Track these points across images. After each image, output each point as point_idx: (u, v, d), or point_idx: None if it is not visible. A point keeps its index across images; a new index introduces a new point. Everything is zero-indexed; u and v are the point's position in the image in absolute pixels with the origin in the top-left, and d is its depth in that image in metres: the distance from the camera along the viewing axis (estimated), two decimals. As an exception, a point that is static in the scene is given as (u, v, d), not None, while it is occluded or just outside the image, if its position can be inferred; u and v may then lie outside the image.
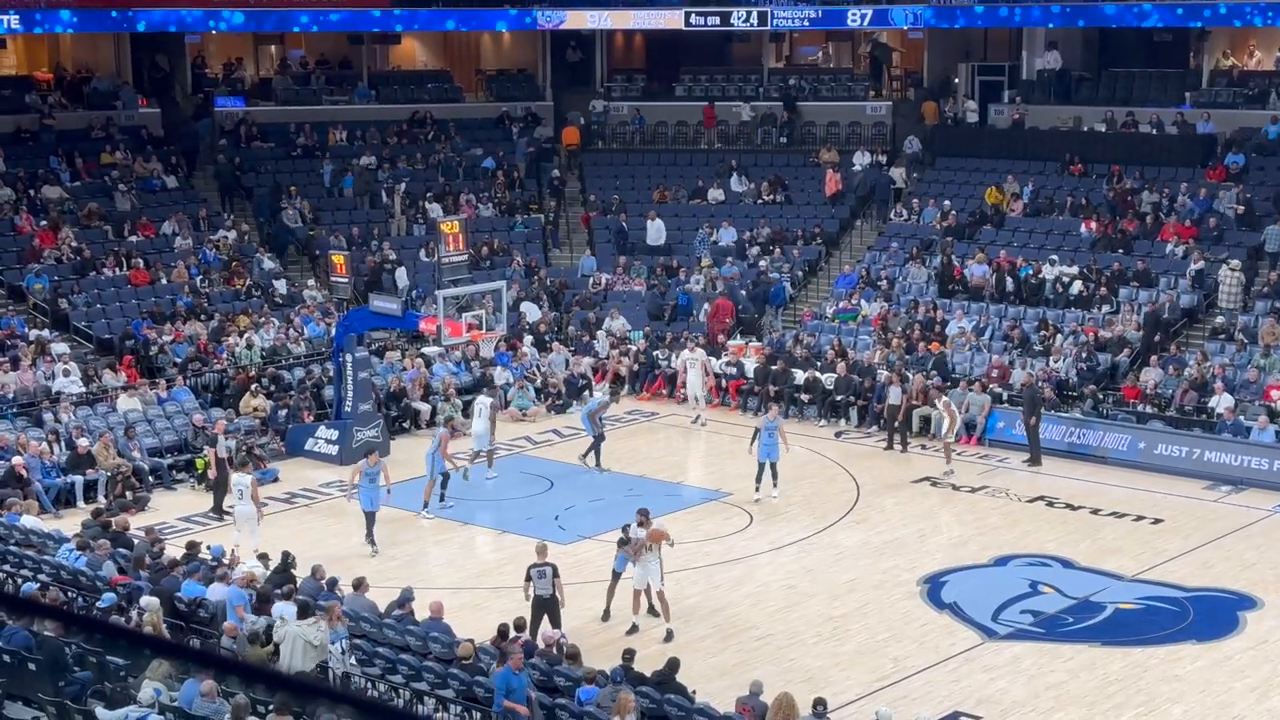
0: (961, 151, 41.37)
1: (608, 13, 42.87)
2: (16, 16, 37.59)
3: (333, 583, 20.86)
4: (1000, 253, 36.36)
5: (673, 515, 26.15)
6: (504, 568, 24.07)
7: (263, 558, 21.61)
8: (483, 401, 28.95)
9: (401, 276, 36.92)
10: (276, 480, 28.46)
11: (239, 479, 24.52)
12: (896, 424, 30.27)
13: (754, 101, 44.13)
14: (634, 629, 21.38)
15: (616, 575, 21.94)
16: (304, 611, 18.56)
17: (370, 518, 24.72)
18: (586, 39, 45.39)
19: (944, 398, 28.99)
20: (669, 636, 21.20)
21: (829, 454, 30.01)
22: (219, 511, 26.61)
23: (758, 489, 26.87)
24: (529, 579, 20.83)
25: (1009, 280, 35.33)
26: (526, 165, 42.51)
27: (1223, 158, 37.64)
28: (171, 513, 26.62)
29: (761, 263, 38.39)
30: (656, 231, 39.77)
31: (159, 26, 40.14)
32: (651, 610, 21.76)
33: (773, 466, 26.77)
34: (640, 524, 21.86)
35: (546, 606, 20.66)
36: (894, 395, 30.36)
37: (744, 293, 37.29)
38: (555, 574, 20.79)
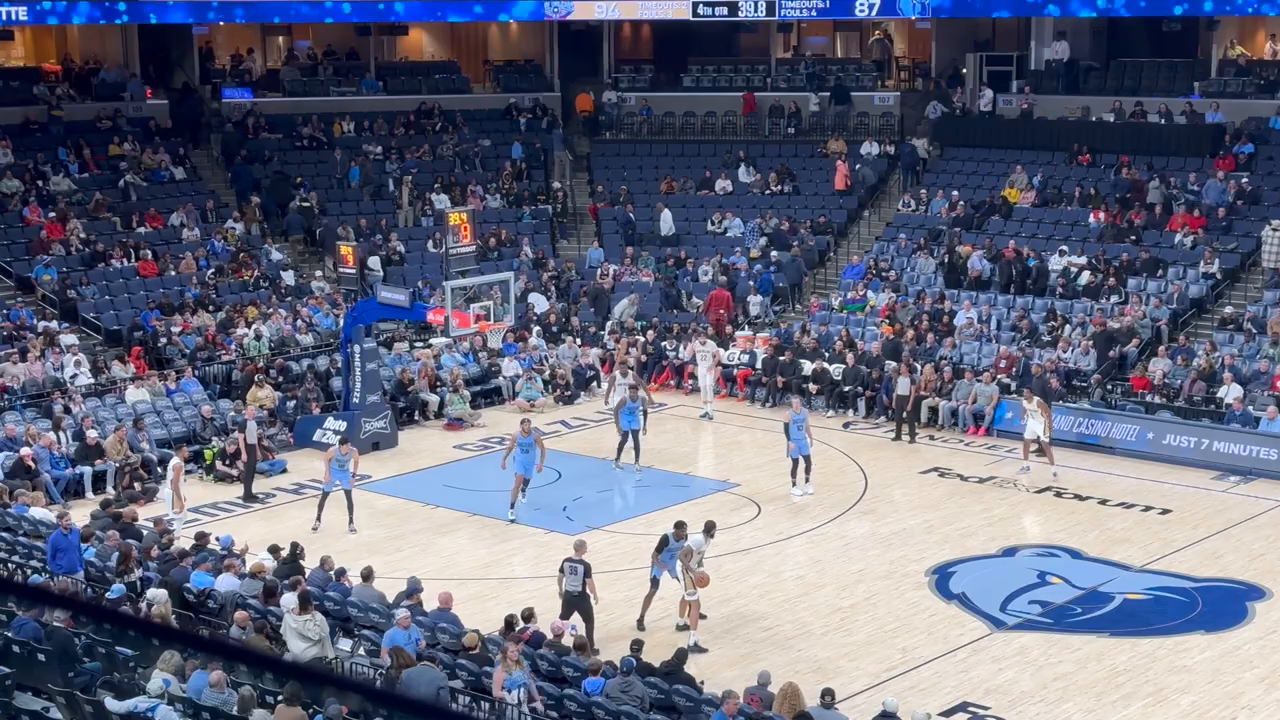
0: (969, 142, 41.31)
1: (615, 3, 42.82)
2: (24, 8, 37.62)
3: (341, 573, 20.91)
4: (1009, 243, 36.35)
5: (681, 506, 26.16)
6: (511, 559, 24.13)
7: (273, 549, 21.64)
8: (621, 381, 29.70)
9: (375, 264, 36.92)
10: (285, 471, 28.48)
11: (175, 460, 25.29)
12: (905, 415, 30.25)
13: (762, 92, 44.10)
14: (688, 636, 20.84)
15: (655, 583, 21.26)
16: (304, 604, 18.59)
17: (347, 497, 25.19)
18: (594, 28, 45.37)
19: (1036, 397, 28.04)
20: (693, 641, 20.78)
21: (837, 445, 29.99)
22: (249, 498, 26.84)
23: (795, 483, 26.51)
24: (561, 572, 20.58)
25: (1012, 270, 35.32)
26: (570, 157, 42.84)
27: (1231, 147, 37.57)
28: (180, 504, 26.65)
29: (772, 253, 38.40)
30: (667, 222, 39.78)
31: (166, 19, 40.23)
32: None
33: (806, 460, 26.44)
34: (707, 534, 21.30)
35: (576, 603, 20.36)
36: (903, 386, 30.34)
37: (751, 283, 37.36)
38: (588, 572, 20.38)
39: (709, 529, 21.48)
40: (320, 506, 25.29)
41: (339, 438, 27.22)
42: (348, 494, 25.22)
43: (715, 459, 30.00)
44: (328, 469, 25.30)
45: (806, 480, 26.59)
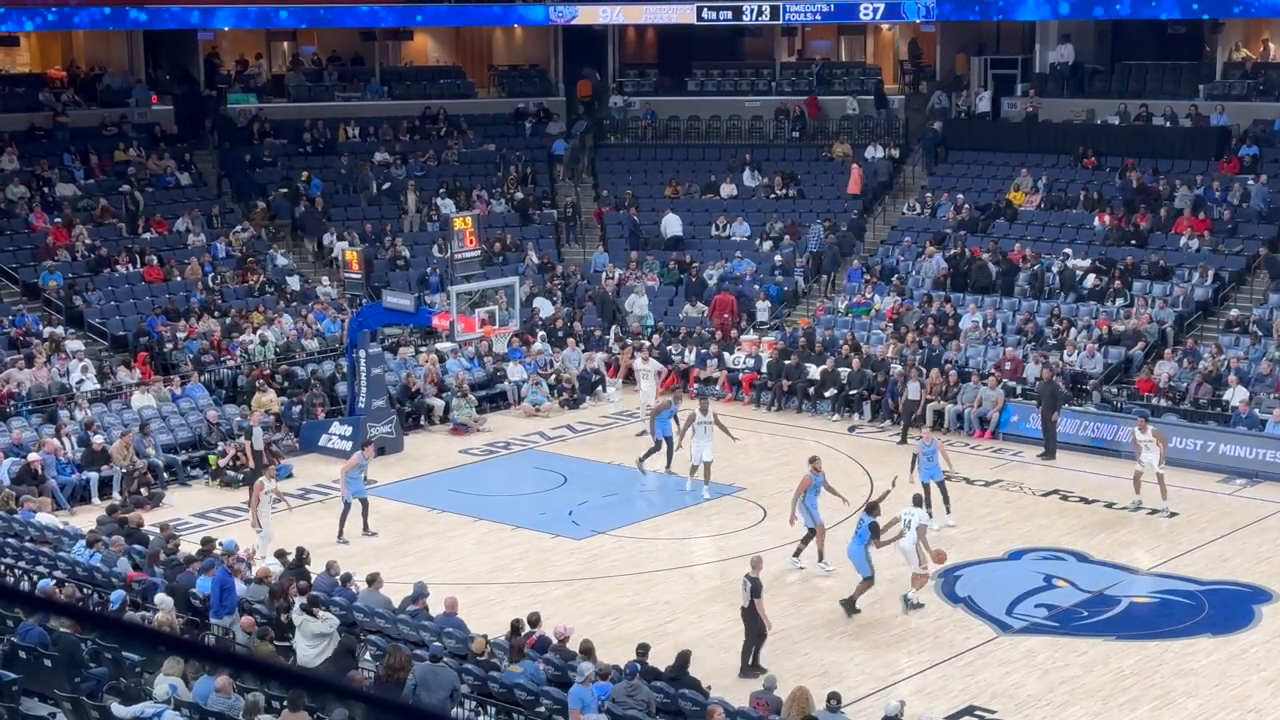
0: (974, 145, 41.32)
1: (620, 7, 42.86)
2: (28, 19, 37.67)
3: (347, 578, 20.91)
4: (1014, 246, 36.37)
5: (686, 510, 26.17)
6: (516, 564, 24.10)
7: (279, 554, 21.64)
8: (702, 420, 27.09)
9: (340, 249, 37.44)
10: (291, 476, 28.49)
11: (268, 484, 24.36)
12: (913, 418, 30.18)
13: (766, 96, 44.17)
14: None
15: (869, 581, 21.56)
16: (313, 606, 18.60)
17: (364, 506, 25.00)
18: (598, 33, 45.42)
19: (1150, 426, 26.59)
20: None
21: (843, 449, 29.97)
22: None
23: (930, 514, 24.98)
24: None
25: (991, 272, 35.46)
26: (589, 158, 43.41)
27: (1236, 150, 37.55)
28: (186, 509, 26.69)
29: (776, 257, 38.41)
30: (673, 226, 39.79)
31: (168, 24, 40.32)
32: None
33: (940, 486, 25.20)
34: (918, 504, 22.42)
35: (745, 618, 20.19)
36: (912, 390, 30.30)
37: (757, 287, 37.39)
38: (755, 591, 20.13)
39: (918, 500, 22.68)
40: (342, 520, 24.88)
41: (361, 443, 26.91)
42: (364, 502, 25.12)
43: (721, 463, 29.92)
44: (345, 479, 24.97)
45: (947, 510, 25.16)
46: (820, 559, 23.28)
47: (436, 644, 18.20)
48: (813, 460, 23.80)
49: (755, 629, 20.17)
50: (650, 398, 30.71)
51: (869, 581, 21.64)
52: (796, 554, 23.43)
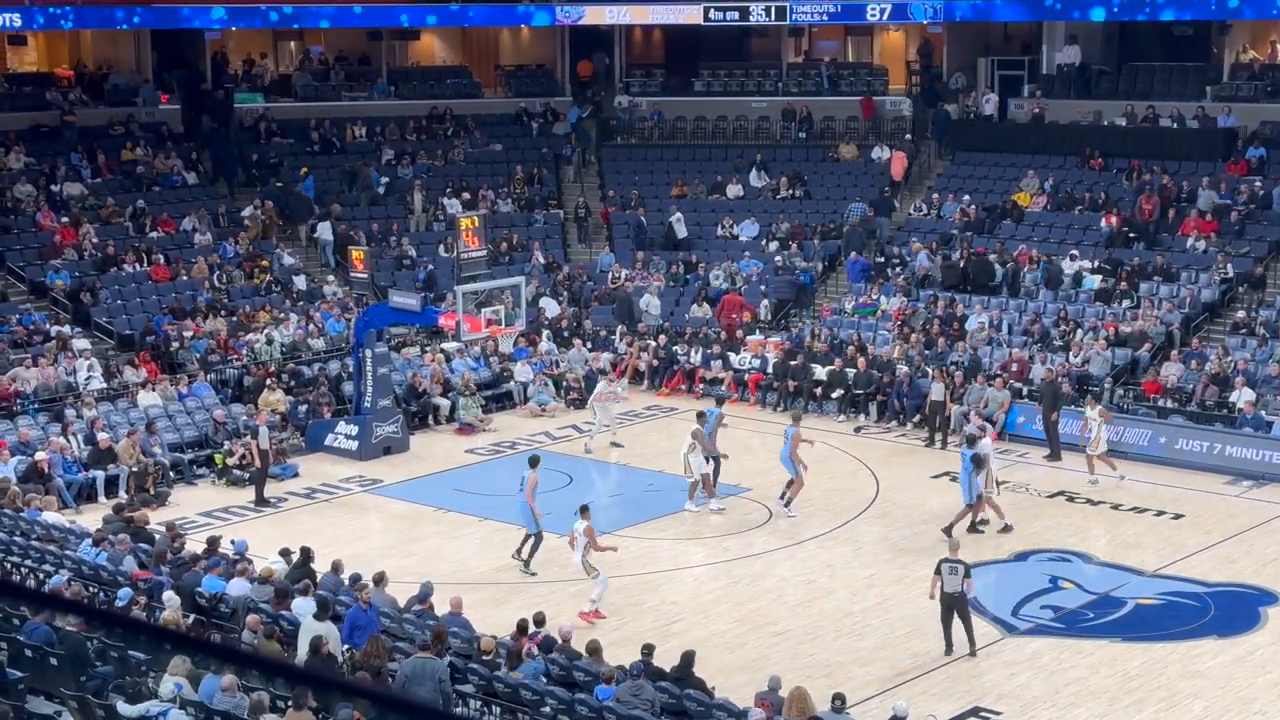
0: (981, 146, 41.28)
1: (626, 7, 42.85)
2: (18, 15, 37.70)
3: (354, 578, 20.89)
4: (1020, 247, 36.35)
5: (691, 511, 26.16)
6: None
7: (284, 553, 21.64)
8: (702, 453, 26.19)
9: (327, 232, 37.98)
10: (297, 475, 28.53)
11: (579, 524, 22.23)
12: (939, 419, 30.05)
13: (773, 96, 44.16)
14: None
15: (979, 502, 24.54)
16: (323, 608, 18.60)
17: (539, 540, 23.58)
18: (605, 33, 45.42)
19: (1099, 406, 27.84)
20: None
21: (849, 450, 29.97)
22: (261, 502, 26.83)
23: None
24: (938, 573, 20.60)
25: (966, 269, 35.57)
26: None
27: (1243, 151, 37.50)
28: (192, 508, 26.71)
29: (777, 258, 38.43)
30: (682, 225, 39.79)
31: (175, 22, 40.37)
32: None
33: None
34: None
35: (955, 603, 20.50)
36: (936, 391, 30.25)
37: (763, 288, 37.36)
38: (967, 573, 20.49)
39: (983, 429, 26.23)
40: (534, 549, 23.48)
41: (530, 461, 24.72)
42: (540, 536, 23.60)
43: (725, 464, 29.90)
44: (536, 503, 23.45)
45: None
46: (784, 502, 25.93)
47: (418, 633, 18.16)
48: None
49: (965, 611, 20.58)
50: (609, 419, 30.05)
51: (969, 509, 24.40)
52: (787, 501, 26.00)
